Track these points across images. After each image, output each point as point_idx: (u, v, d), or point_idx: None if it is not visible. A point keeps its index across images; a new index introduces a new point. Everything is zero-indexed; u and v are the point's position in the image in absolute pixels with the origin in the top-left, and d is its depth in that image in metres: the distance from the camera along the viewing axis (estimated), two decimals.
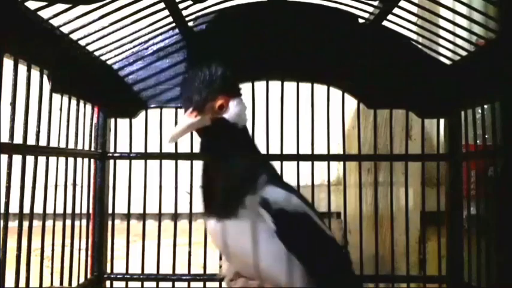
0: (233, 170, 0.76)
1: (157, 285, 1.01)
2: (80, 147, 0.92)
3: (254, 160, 0.79)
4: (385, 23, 0.95)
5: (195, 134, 0.98)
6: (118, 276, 1.01)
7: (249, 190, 0.75)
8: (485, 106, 0.89)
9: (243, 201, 0.74)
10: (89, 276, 0.97)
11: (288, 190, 0.78)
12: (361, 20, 0.99)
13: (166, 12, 0.88)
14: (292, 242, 0.74)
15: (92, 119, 0.98)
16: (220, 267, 0.86)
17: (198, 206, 0.98)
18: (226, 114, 0.76)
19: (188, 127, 0.74)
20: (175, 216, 1.00)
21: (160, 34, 0.99)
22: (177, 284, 1.00)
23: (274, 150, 0.97)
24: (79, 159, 0.91)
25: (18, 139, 0.70)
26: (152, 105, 1.00)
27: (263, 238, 0.74)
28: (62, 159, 0.85)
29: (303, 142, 0.99)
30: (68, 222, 0.88)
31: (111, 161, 1.02)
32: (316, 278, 0.75)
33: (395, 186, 1.00)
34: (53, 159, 0.82)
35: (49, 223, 0.81)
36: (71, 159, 0.88)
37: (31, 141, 0.74)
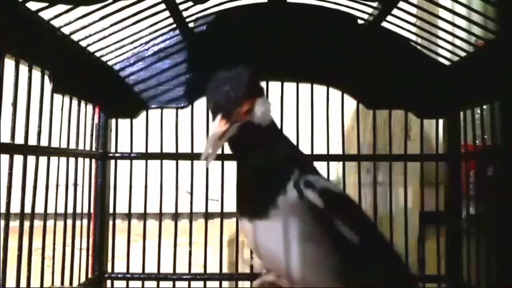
0: (262, 169, 0.76)
1: (157, 284, 1.01)
2: (81, 147, 0.92)
3: (283, 157, 0.77)
4: (384, 24, 0.95)
5: (194, 134, 0.99)
6: (119, 275, 1.01)
7: (285, 186, 0.74)
8: (484, 106, 0.89)
9: (280, 198, 0.73)
10: (89, 275, 0.98)
11: (324, 179, 0.79)
12: (360, 21, 0.99)
13: (167, 13, 0.88)
14: (344, 217, 0.74)
15: (93, 119, 0.98)
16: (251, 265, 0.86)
17: (198, 206, 0.99)
18: (252, 117, 0.74)
19: (219, 137, 0.72)
20: (175, 216, 1.00)
21: (161, 35, 0.99)
22: (177, 283, 1.01)
23: None
24: (80, 160, 0.92)
25: (19, 139, 0.70)
26: (153, 106, 1.01)
27: (301, 237, 0.73)
28: (63, 160, 0.86)
29: (303, 142, 0.99)
30: (69, 222, 0.88)
31: (112, 161, 1.02)
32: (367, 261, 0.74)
33: (395, 186, 1.00)
34: (54, 160, 0.82)
35: (50, 223, 0.81)
36: (72, 160, 0.89)
37: (32, 141, 0.75)
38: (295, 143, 0.97)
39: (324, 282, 0.74)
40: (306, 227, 0.73)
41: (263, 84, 0.97)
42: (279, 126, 0.97)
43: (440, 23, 0.91)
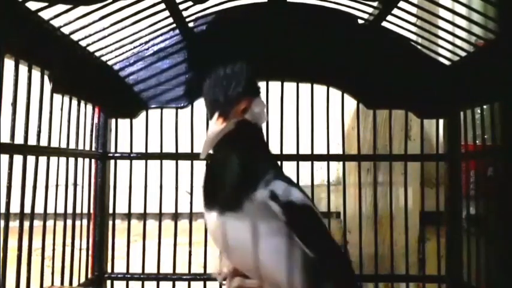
0: (242, 165, 0.75)
1: (157, 284, 1.01)
2: (80, 147, 0.92)
3: (263, 157, 0.78)
4: (384, 23, 0.95)
5: (194, 134, 0.99)
6: (119, 275, 1.01)
7: (256, 185, 0.74)
8: (485, 106, 0.89)
9: (249, 196, 0.73)
10: (89, 276, 0.98)
11: (293, 186, 0.78)
12: (360, 21, 0.99)
13: (166, 13, 0.88)
14: (302, 233, 0.74)
15: (92, 119, 0.98)
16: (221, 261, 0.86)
17: (199, 206, 0.99)
18: (248, 116, 0.75)
19: (216, 136, 0.72)
20: (175, 216, 1.00)
21: (161, 35, 0.99)
22: (177, 283, 1.01)
23: (274, 150, 0.97)
24: (80, 160, 0.92)
25: (19, 139, 0.70)
26: (153, 106, 1.01)
27: (267, 233, 0.73)
28: (62, 160, 0.86)
29: (303, 142, 0.99)
30: (69, 222, 0.88)
31: (112, 161, 1.02)
32: (321, 274, 0.75)
33: (395, 186, 1.00)
34: (53, 160, 0.82)
35: (50, 223, 0.81)
36: (71, 160, 0.89)
37: (32, 141, 0.75)
38: (295, 143, 0.98)
39: (291, 280, 0.74)
40: (269, 230, 0.73)
41: (263, 84, 0.98)
42: (279, 126, 0.97)
43: (441, 23, 0.91)
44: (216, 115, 0.72)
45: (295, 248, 0.74)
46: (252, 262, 0.74)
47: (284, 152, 0.99)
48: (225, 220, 0.74)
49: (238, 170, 0.75)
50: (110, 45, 0.93)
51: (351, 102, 1.02)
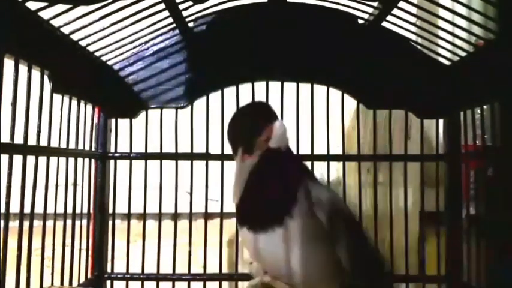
0: (275, 184, 0.77)
1: (157, 285, 1.01)
2: (80, 147, 0.92)
3: (294, 173, 0.79)
4: (384, 23, 0.95)
5: (194, 135, 0.99)
6: (118, 276, 1.01)
7: (294, 201, 0.76)
8: (485, 106, 0.89)
9: (289, 212, 0.75)
10: (89, 276, 0.98)
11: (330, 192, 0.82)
12: (360, 21, 0.99)
13: (166, 13, 0.88)
14: (344, 241, 0.76)
15: (92, 119, 0.98)
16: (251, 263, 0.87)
17: (198, 206, 0.99)
18: (272, 143, 0.78)
19: (243, 173, 0.77)
20: (175, 216, 1.00)
21: (161, 35, 0.99)
22: (177, 283, 1.01)
23: None
24: (79, 160, 0.92)
25: (19, 139, 0.70)
26: (153, 106, 1.01)
27: (307, 246, 0.75)
28: (62, 160, 0.85)
29: (303, 142, 0.99)
30: (69, 222, 0.88)
31: (112, 161, 1.02)
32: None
33: (395, 187, 1.00)
34: (53, 160, 0.82)
35: (49, 223, 0.81)
36: (71, 160, 0.89)
37: (32, 141, 0.74)
38: (295, 143, 0.97)
39: None
40: (311, 239, 0.75)
41: (263, 84, 0.98)
42: None
43: (441, 23, 0.91)
44: (240, 152, 0.75)
45: (334, 256, 0.76)
46: (286, 272, 0.76)
47: None
48: (261, 237, 0.76)
49: (273, 191, 0.77)
50: (110, 45, 0.93)
51: (350, 102, 1.02)
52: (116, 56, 0.98)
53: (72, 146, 0.89)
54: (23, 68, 0.71)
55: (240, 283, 1.03)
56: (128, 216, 1.01)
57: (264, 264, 0.80)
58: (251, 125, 0.78)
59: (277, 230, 0.75)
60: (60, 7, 0.72)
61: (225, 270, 1.02)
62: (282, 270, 0.76)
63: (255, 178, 0.77)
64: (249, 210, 0.78)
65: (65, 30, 0.81)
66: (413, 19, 0.91)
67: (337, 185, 1.06)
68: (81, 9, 0.76)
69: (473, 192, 0.96)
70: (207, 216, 1.00)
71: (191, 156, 1.00)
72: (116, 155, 1.02)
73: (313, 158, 1.00)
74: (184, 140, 1.00)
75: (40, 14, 0.72)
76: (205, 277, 1.01)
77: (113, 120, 1.02)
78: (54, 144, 0.82)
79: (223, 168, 0.99)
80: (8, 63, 0.67)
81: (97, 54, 0.93)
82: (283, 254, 0.74)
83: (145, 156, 1.02)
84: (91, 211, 0.98)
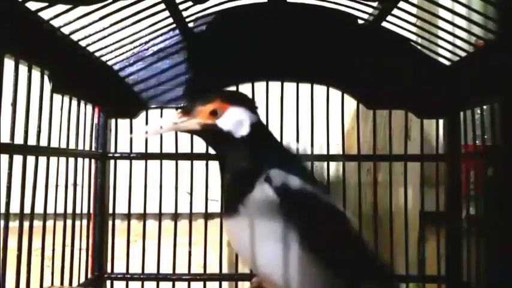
0: (234, 171, 0.76)
1: (157, 285, 1.01)
2: (80, 147, 0.92)
3: (257, 161, 0.77)
4: (384, 24, 0.95)
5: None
6: (118, 276, 1.01)
7: (249, 187, 0.74)
8: (485, 107, 0.89)
9: (244, 199, 0.73)
10: (89, 276, 0.98)
11: (296, 176, 0.75)
12: (360, 21, 0.99)
13: (166, 13, 0.88)
14: (296, 217, 0.72)
15: (92, 119, 0.98)
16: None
17: (198, 206, 0.99)
18: (219, 121, 0.76)
19: (166, 126, 0.77)
20: (175, 216, 1.00)
21: (161, 35, 0.99)
22: (177, 283, 1.01)
23: None
24: (80, 160, 0.92)
25: (19, 139, 0.70)
26: (153, 106, 1.01)
27: (263, 230, 0.72)
28: (62, 160, 0.86)
29: (303, 142, 0.99)
30: (69, 222, 0.88)
31: (112, 161, 1.02)
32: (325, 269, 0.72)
33: (395, 187, 1.00)
34: (53, 160, 0.82)
35: (50, 223, 0.81)
36: (71, 160, 0.89)
37: (32, 141, 0.74)
38: (295, 143, 0.97)
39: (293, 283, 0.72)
40: (269, 224, 0.72)
41: (263, 84, 0.98)
42: (279, 127, 0.97)
43: (441, 23, 0.91)
44: (179, 110, 0.76)
45: (293, 242, 0.71)
46: (252, 263, 0.75)
47: None
48: (230, 224, 0.76)
49: (232, 177, 0.76)
50: (110, 45, 0.93)
51: (350, 103, 1.02)
52: (116, 56, 0.98)
53: (72, 146, 0.89)
54: (23, 68, 0.71)
55: (240, 283, 1.03)
56: (128, 216, 1.01)
57: (239, 256, 0.80)
58: (205, 95, 0.77)
59: (237, 218, 0.74)
60: (61, 7, 0.72)
61: (225, 270, 1.02)
62: (251, 263, 0.76)
63: (227, 167, 0.78)
64: (225, 199, 0.78)
65: (65, 30, 0.81)
66: (413, 19, 0.91)
67: (337, 185, 1.06)
68: (82, 10, 0.76)
69: (473, 193, 0.96)
70: (207, 216, 1.00)
71: (191, 157, 1.00)
72: (116, 155, 1.02)
73: (313, 158, 1.00)
74: (184, 140, 1.00)
75: (40, 14, 0.72)
76: (205, 277, 1.01)
77: (113, 120, 1.02)
78: (54, 144, 0.82)
79: None
80: (8, 64, 0.67)
81: (97, 54, 0.93)
82: (245, 245, 0.73)
83: (146, 156, 1.02)
84: (91, 211, 0.98)
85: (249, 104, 0.79)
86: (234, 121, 0.76)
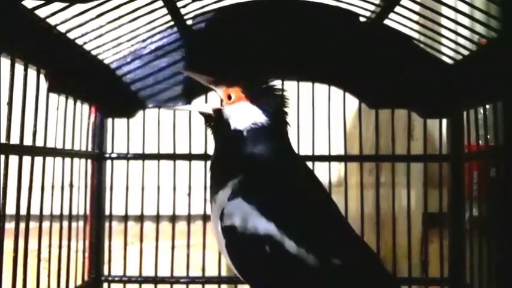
0: (218, 162, 0.76)
1: (155, 287, 1.00)
2: (77, 147, 0.91)
3: (237, 162, 0.74)
4: (386, 21, 0.94)
5: (193, 135, 0.98)
6: (116, 278, 1.00)
7: (223, 186, 0.71)
8: (488, 106, 0.88)
9: (215, 194, 0.72)
10: (86, 278, 0.96)
11: (265, 207, 0.67)
12: (362, 19, 0.98)
13: (164, 11, 0.87)
14: (240, 263, 0.68)
15: (89, 119, 0.97)
16: None
17: (197, 208, 0.98)
18: (227, 108, 0.75)
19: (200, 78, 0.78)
20: (173, 218, 0.99)
21: (159, 33, 0.98)
22: (175, 286, 1.00)
23: None
24: (76, 160, 0.91)
25: (14, 139, 0.69)
26: (150, 105, 0.99)
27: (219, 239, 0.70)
28: (58, 160, 0.84)
29: (304, 143, 0.98)
30: (65, 223, 0.87)
31: (109, 162, 1.01)
32: None
33: (397, 187, 0.99)
34: (49, 160, 0.81)
35: (46, 224, 0.80)
36: (67, 160, 0.87)
37: (28, 141, 0.73)
38: (295, 143, 0.96)
39: None
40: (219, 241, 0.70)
41: None
42: None
43: (443, 21, 0.90)
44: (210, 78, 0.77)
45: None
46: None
47: None
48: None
49: (217, 166, 0.76)
50: (107, 43, 0.91)
51: (352, 102, 1.01)
52: (113, 55, 0.97)
53: (68, 146, 0.87)
54: (19, 67, 0.70)
55: (239, 286, 1.02)
56: (125, 218, 1.00)
57: None
58: (236, 73, 0.78)
59: (212, 208, 0.73)
60: (57, 5, 0.71)
61: (223, 273, 1.01)
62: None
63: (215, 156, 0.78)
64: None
65: (62, 28, 0.79)
66: (415, 17, 0.90)
67: (338, 186, 1.05)
68: (78, 8, 0.75)
69: (476, 193, 0.96)
70: (206, 218, 0.98)
71: (189, 157, 0.99)
72: (113, 155, 1.01)
73: (314, 158, 0.99)
74: (182, 141, 0.99)
75: (36, 12, 0.71)
76: (203, 280, 1.00)
77: (110, 120, 1.01)
78: (50, 144, 0.81)
79: None
80: (4, 62, 0.66)
81: (94, 52, 0.92)
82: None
83: (143, 156, 1.01)
84: (88, 212, 0.97)
85: (266, 104, 0.75)
86: (238, 114, 0.74)
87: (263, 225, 0.65)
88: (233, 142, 0.75)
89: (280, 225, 0.65)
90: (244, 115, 0.74)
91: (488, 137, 0.88)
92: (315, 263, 0.64)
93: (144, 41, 0.98)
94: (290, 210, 0.68)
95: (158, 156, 1.00)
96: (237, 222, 0.66)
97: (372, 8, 0.92)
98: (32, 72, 0.74)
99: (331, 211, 0.73)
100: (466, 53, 0.91)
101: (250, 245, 0.66)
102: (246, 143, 0.74)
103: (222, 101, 0.78)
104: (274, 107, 0.75)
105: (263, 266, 0.66)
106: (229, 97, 0.75)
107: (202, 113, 0.78)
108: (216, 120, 0.76)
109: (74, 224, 0.90)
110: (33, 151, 0.75)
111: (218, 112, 0.75)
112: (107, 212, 1.00)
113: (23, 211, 0.71)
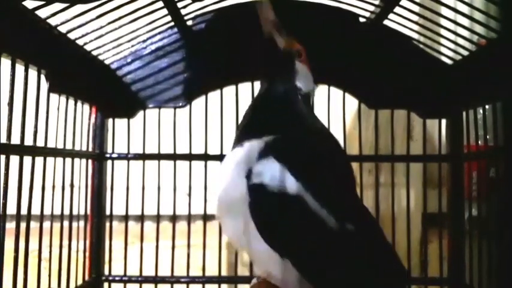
0: (263, 111, 0.76)
1: (155, 287, 1.00)
2: (77, 147, 0.91)
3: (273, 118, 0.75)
4: (386, 22, 0.94)
5: (193, 135, 0.98)
6: (116, 278, 1.00)
7: (257, 137, 0.70)
8: (487, 106, 0.89)
9: (245, 142, 0.71)
10: (87, 278, 0.96)
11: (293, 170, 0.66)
12: (362, 19, 0.98)
13: (165, 11, 0.87)
14: (264, 222, 0.66)
15: (89, 119, 0.97)
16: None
17: (197, 208, 0.98)
18: (297, 63, 0.78)
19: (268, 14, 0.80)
20: (173, 218, 0.99)
21: (159, 33, 0.98)
22: (175, 286, 1.00)
23: None
24: (76, 160, 0.90)
25: (15, 139, 0.69)
26: (151, 105, 0.99)
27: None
28: (59, 160, 0.84)
29: None
30: (66, 223, 0.87)
31: (109, 162, 1.01)
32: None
33: (397, 188, 0.99)
34: (50, 160, 0.81)
35: (46, 224, 0.80)
36: (68, 160, 0.87)
37: (28, 141, 0.73)
38: None
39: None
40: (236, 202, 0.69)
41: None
42: None
43: (443, 22, 0.90)
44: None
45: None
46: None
47: None
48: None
49: (258, 111, 0.77)
50: (107, 43, 0.91)
51: (352, 102, 1.01)
52: (114, 55, 0.97)
53: (69, 146, 0.87)
54: (19, 68, 0.70)
55: (239, 286, 1.02)
56: (126, 218, 1.00)
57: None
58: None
59: (231, 157, 0.74)
60: (57, 6, 0.71)
61: (224, 272, 1.01)
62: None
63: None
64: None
65: (62, 29, 0.80)
66: (415, 17, 0.90)
67: None
68: (78, 8, 0.75)
69: (475, 193, 0.96)
70: (206, 217, 0.99)
71: (190, 157, 0.99)
72: (114, 155, 1.01)
73: None
74: (182, 141, 0.99)
75: (37, 12, 0.71)
76: (204, 279, 1.00)
77: (110, 120, 1.01)
78: (51, 144, 0.81)
79: None
80: (5, 63, 0.66)
81: (94, 53, 0.92)
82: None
83: (143, 156, 1.01)
84: (88, 212, 0.97)
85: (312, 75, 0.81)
86: (304, 75, 0.78)
87: (292, 185, 0.65)
88: (287, 97, 0.76)
89: (307, 187, 0.65)
90: (308, 79, 0.79)
91: (488, 137, 0.88)
92: (334, 225, 0.65)
93: (144, 41, 0.98)
94: (318, 175, 0.68)
95: (158, 157, 1.00)
96: (267, 181, 0.66)
97: (372, 8, 0.93)
98: (32, 73, 0.74)
99: (351, 184, 0.76)
100: (465, 53, 0.91)
101: (278, 204, 0.66)
102: (297, 105, 0.76)
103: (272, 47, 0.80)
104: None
105: (287, 225, 0.66)
106: (300, 54, 0.78)
107: (270, 39, 0.80)
108: (282, 61, 0.78)
109: (74, 224, 0.89)
110: (34, 151, 0.75)
111: (289, 56, 0.78)
112: (108, 212, 1.00)
113: (24, 211, 0.71)
